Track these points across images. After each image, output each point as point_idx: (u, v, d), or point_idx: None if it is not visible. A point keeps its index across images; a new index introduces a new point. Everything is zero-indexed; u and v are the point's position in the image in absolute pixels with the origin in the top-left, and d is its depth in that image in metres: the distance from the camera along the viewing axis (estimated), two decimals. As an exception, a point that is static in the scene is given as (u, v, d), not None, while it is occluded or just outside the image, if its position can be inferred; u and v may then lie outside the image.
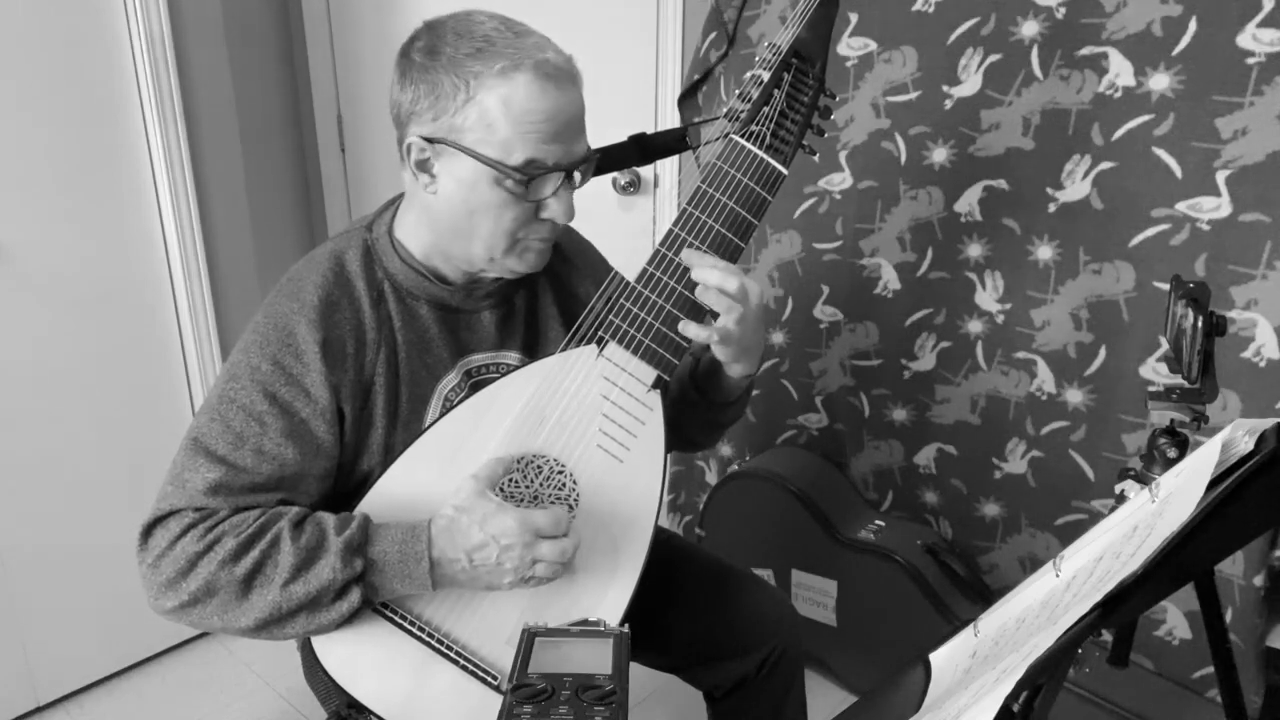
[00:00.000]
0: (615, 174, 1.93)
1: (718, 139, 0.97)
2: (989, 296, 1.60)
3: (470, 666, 0.92)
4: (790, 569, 1.79)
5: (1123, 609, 0.55)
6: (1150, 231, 1.40)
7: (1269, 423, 0.57)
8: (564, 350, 0.96)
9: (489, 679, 0.92)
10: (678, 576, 1.21)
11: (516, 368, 0.99)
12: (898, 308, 1.71)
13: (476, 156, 0.88)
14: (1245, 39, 1.27)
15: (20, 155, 1.60)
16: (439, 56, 0.87)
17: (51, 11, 1.60)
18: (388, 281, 0.97)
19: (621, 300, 0.95)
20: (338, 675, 0.92)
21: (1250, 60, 1.27)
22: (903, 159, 1.63)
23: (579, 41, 1.88)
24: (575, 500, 0.95)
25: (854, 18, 1.63)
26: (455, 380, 1.01)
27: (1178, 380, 0.98)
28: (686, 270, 0.94)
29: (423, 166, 0.92)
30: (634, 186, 1.96)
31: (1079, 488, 1.57)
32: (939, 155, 1.59)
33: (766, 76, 0.96)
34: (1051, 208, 1.49)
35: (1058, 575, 0.63)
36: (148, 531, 0.88)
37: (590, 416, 0.95)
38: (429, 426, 0.95)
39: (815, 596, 1.77)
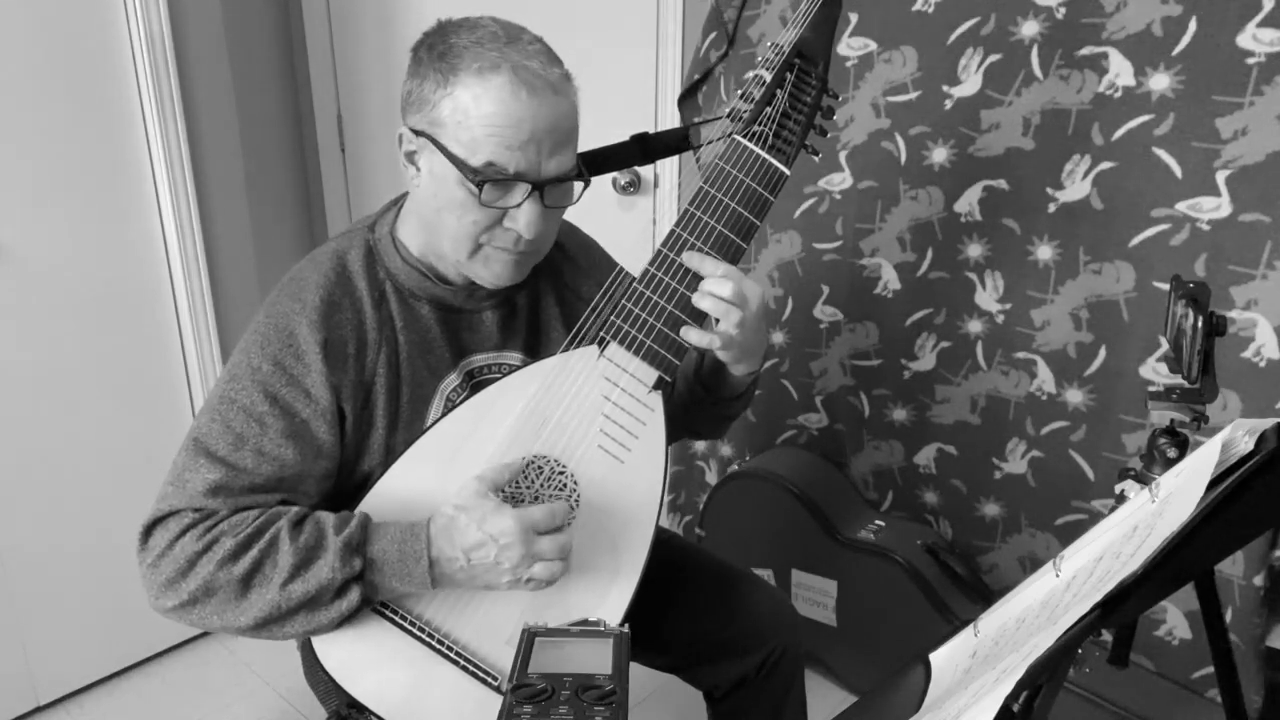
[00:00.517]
0: (615, 173, 1.93)
1: (720, 139, 0.97)
2: (989, 296, 1.60)
3: (470, 666, 0.92)
4: (790, 569, 1.79)
5: (1123, 609, 0.55)
6: (1150, 231, 1.40)
7: (1269, 423, 0.57)
8: (565, 351, 0.96)
9: (489, 679, 0.92)
10: (678, 577, 1.21)
11: (518, 368, 0.99)
12: (898, 308, 1.71)
13: (444, 152, 0.88)
14: (1245, 39, 1.27)
15: (20, 155, 1.60)
16: (433, 51, 0.88)
17: (51, 11, 1.60)
18: (389, 281, 0.97)
19: (623, 301, 0.95)
20: (338, 675, 0.92)
21: (1250, 60, 1.27)
22: (903, 159, 1.63)
23: (579, 42, 1.89)
24: (576, 501, 0.95)
25: (854, 18, 1.63)
26: (457, 381, 1.01)
27: (1178, 380, 0.98)
28: (688, 271, 0.94)
29: (410, 159, 0.93)
30: (634, 186, 1.96)
31: (1079, 488, 1.57)
32: (939, 155, 1.59)
33: (769, 77, 0.96)
34: (1051, 208, 1.49)
35: (1058, 575, 0.63)
36: (147, 531, 0.88)
37: (591, 417, 0.95)
38: (429, 427, 0.95)
39: (815, 596, 1.77)
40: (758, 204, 0.95)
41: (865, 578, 1.70)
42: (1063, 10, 1.41)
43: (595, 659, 0.59)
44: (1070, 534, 1.59)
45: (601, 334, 0.95)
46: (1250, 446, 0.56)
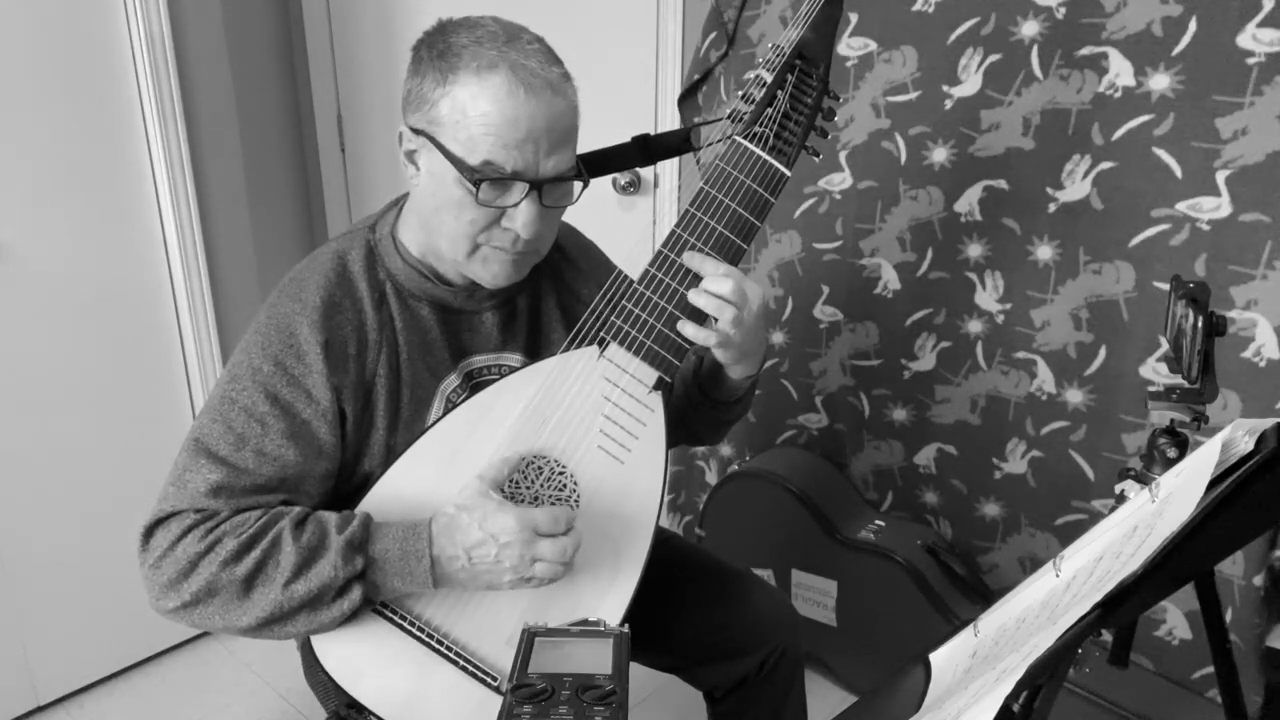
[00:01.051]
0: (615, 174, 1.93)
1: (720, 140, 0.97)
2: (989, 296, 1.60)
3: (470, 667, 0.92)
4: (790, 569, 1.79)
5: (1123, 609, 0.55)
6: (1150, 231, 1.40)
7: (1269, 423, 0.57)
8: (565, 351, 0.96)
9: (489, 679, 0.92)
10: (678, 577, 1.21)
11: (518, 369, 0.99)
12: (898, 308, 1.71)
13: (443, 150, 0.88)
14: (1245, 39, 1.27)
15: (20, 156, 1.60)
16: (433, 50, 0.89)
17: (52, 12, 1.60)
18: (389, 282, 0.97)
19: (623, 301, 0.95)
20: (337, 675, 0.92)
21: (1250, 60, 1.27)
22: (903, 159, 1.63)
23: (579, 42, 1.88)
24: (576, 501, 0.95)
25: (854, 18, 1.63)
26: (457, 381, 1.01)
27: (1178, 380, 0.98)
28: (689, 272, 0.94)
29: (410, 158, 0.93)
30: (634, 186, 1.96)
31: (1079, 488, 1.57)
32: (939, 155, 1.59)
33: (770, 78, 0.96)
34: (1051, 208, 1.49)
35: (1058, 575, 0.63)
36: (149, 533, 0.88)
37: (591, 417, 0.95)
38: (429, 427, 0.95)
39: (815, 596, 1.77)
40: (758, 205, 0.95)
41: (865, 578, 1.70)
42: (1063, 10, 1.41)
43: (595, 659, 0.59)
44: (1070, 534, 1.59)
45: (601, 334, 0.95)
46: (1250, 446, 0.56)
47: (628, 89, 1.91)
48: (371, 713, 0.92)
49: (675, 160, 1.91)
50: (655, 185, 1.97)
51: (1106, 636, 1.27)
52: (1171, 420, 1.00)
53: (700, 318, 0.94)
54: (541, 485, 0.95)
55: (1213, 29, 1.29)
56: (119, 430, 1.82)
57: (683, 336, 0.94)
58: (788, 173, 0.96)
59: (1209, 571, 0.79)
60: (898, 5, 1.58)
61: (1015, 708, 0.57)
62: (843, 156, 1.71)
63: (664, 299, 0.94)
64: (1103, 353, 1.49)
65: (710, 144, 1.00)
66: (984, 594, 1.69)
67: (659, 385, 0.96)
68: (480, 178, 0.87)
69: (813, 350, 1.86)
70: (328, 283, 0.94)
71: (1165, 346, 1.42)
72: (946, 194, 1.60)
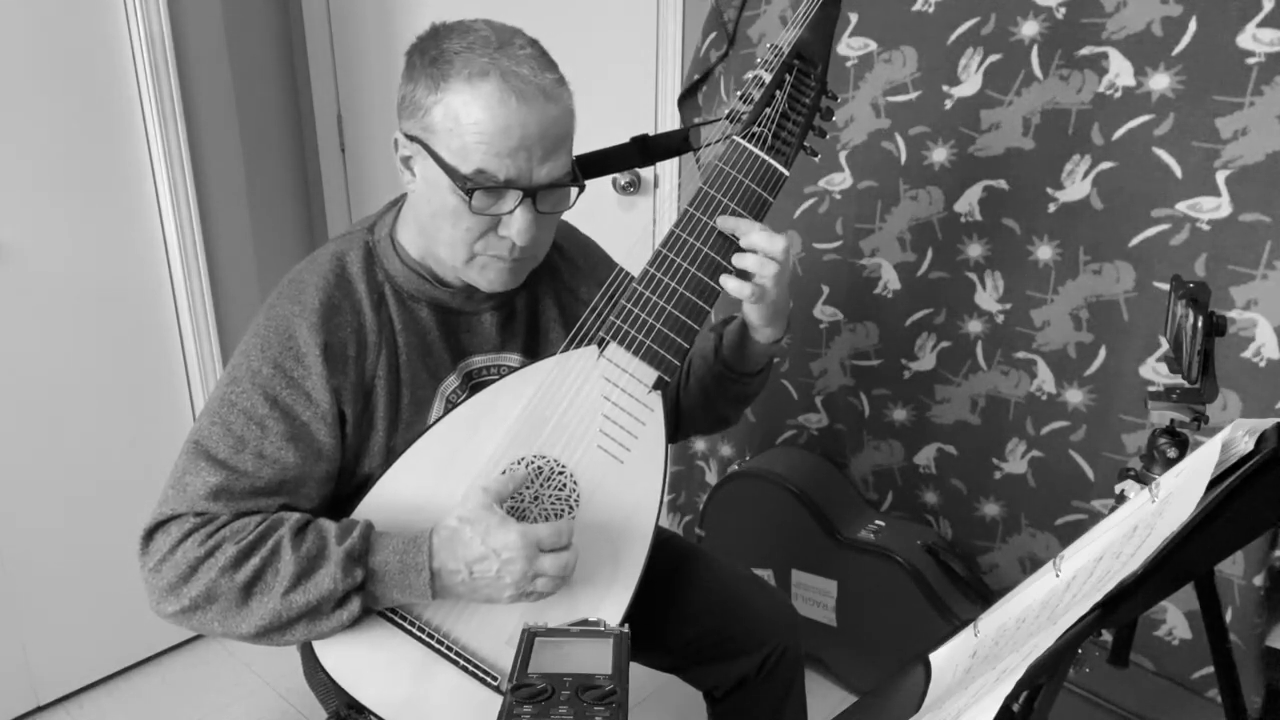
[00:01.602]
0: (615, 174, 1.93)
1: (719, 140, 0.97)
2: (989, 296, 1.60)
3: (470, 667, 0.92)
4: (790, 569, 1.79)
5: (1123, 609, 0.55)
6: (1150, 231, 1.40)
7: (1269, 423, 0.57)
8: (564, 351, 0.96)
9: (489, 679, 0.92)
10: (678, 577, 1.21)
11: (517, 369, 0.99)
12: (898, 308, 1.71)
13: (436, 158, 0.88)
14: (1245, 39, 1.27)
15: (20, 155, 1.60)
16: (425, 56, 0.88)
17: (52, 12, 1.60)
18: (388, 284, 0.97)
19: (622, 301, 0.95)
20: (337, 676, 0.92)
21: (1250, 60, 1.27)
22: (903, 159, 1.63)
23: (579, 42, 1.88)
24: (575, 501, 0.95)
25: (854, 18, 1.63)
26: (456, 382, 1.01)
27: (1178, 380, 0.98)
28: (688, 271, 0.94)
29: (406, 164, 0.93)
30: (634, 186, 1.96)
31: (1079, 488, 1.57)
32: (939, 155, 1.59)
33: (768, 78, 0.96)
34: (1051, 208, 1.49)
35: (1058, 575, 0.63)
36: (149, 535, 0.88)
37: (591, 417, 0.95)
38: (429, 428, 0.95)
39: (815, 596, 1.77)
40: (757, 205, 0.95)
41: (865, 578, 1.70)
42: (1063, 10, 1.41)
43: (595, 659, 0.59)
44: (1070, 534, 1.59)
45: (601, 334, 0.95)
46: (1250, 446, 0.56)
47: (628, 89, 1.91)
48: (372, 713, 0.92)
49: (675, 160, 1.91)
50: (655, 185, 1.97)
51: (1106, 636, 1.27)
52: (1171, 420, 1.00)
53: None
54: (541, 485, 0.95)
55: (1213, 29, 1.29)
56: (119, 430, 1.82)
57: (690, 332, 0.94)
58: (786, 172, 0.96)
59: (1209, 571, 0.79)
60: (898, 5, 1.58)
61: (1015, 708, 0.57)
62: (843, 156, 1.71)
63: (664, 299, 0.94)
64: (1103, 353, 1.49)
65: (709, 144, 1.00)
66: (984, 594, 1.69)
67: (659, 385, 0.96)
68: (473, 186, 0.86)
69: (813, 350, 1.86)
70: (327, 285, 0.94)
71: (1165, 346, 1.42)
72: (946, 194, 1.60)
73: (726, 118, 0.97)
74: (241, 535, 0.86)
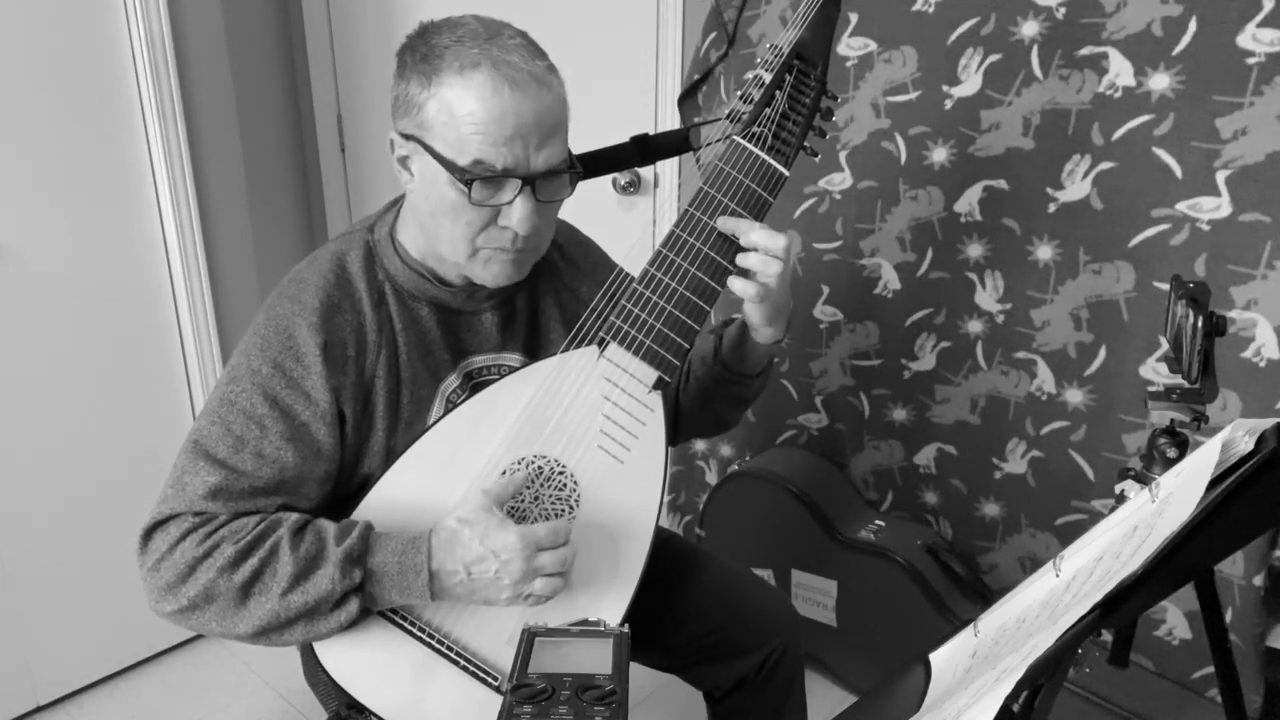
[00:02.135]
0: (615, 174, 1.93)
1: (719, 140, 0.97)
2: (989, 296, 1.60)
3: (470, 667, 0.92)
4: (790, 569, 1.79)
5: (1123, 609, 0.55)
6: (1150, 231, 1.40)
7: (1269, 423, 0.57)
8: (565, 351, 0.96)
9: (489, 679, 0.92)
10: (678, 577, 1.21)
11: (517, 369, 0.99)
12: (898, 308, 1.71)
13: (433, 154, 0.87)
14: (1245, 39, 1.27)
15: (20, 156, 1.60)
16: (416, 54, 0.88)
17: (51, 11, 1.60)
18: (389, 283, 0.97)
19: (623, 301, 0.95)
20: (337, 676, 0.92)
21: (1250, 60, 1.27)
22: (903, 159, 1.63)
23: (579, 42, 1.88)
24: (576, 501, 0.95)
25: (854, 18, 1.63)
26: (457, 382, 1.01)
27: (1178, 380, 0.98)
28: (688, 270, 0.94)
29: (403, 163, 0.93)
30: (634, 187, 1.96)
31: (1079, 488, 1.57)
32: (939, 155, 1.59)
33: (768, 78, 0.96)
34: (1051, 208, 1.49)
35: (1058, 575, 0.63)
36: (147, 535, 0.88)
37: (591, 418, 0.95)
38: (429, 428, 0.95)
39: (815, 596, 1.77)
40: (757, 205, 0.95)
41: (865, 578, 1.70)
42: (1063, 10, 1.41)
43: (595, 659, 0.59)
44: (1070, 534, 1.59)
45: (601, 334, 0.95)
46: (1250, 446, 0.56)
47: (628, 89, 1.91)
48: (372, 713, 0.92)
49: (675, 161, 1.91)
50: (655, 186, 1.97)
51: (1106, 636, 1.27)
52: (1171, 420, 1.00)
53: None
54: (541, 485, 0.95)
55: (1213, 29, 1.29)
56: (119, 430, 1.82)
57: (692, 329, 0.94)
58: (786, 172, 0.96)
59: (1209, 571, 0.79)
60: (898, 5, 1.58)
61: (1015, 708, 0.57)
62: (843, 156, 1.71)
63: (664, 299, 0.94)
64: (1103, 353, 1.49)
65: (709, 144, 1.00)
66: (984, 594, 1.69)
67: (659, 385, 0.96)
68: (471, 177, 0.86)
69: (813, 350, 1.86)
70: (326, 284, 0.94)
71: (1165, 346, 1.42)
72: (946, 194, 1.60)
73: (726, 117, 0.97)
74: (240, 535, 0.86)
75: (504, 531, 0.86)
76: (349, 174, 2.23)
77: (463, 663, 0.92)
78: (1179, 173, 1.35)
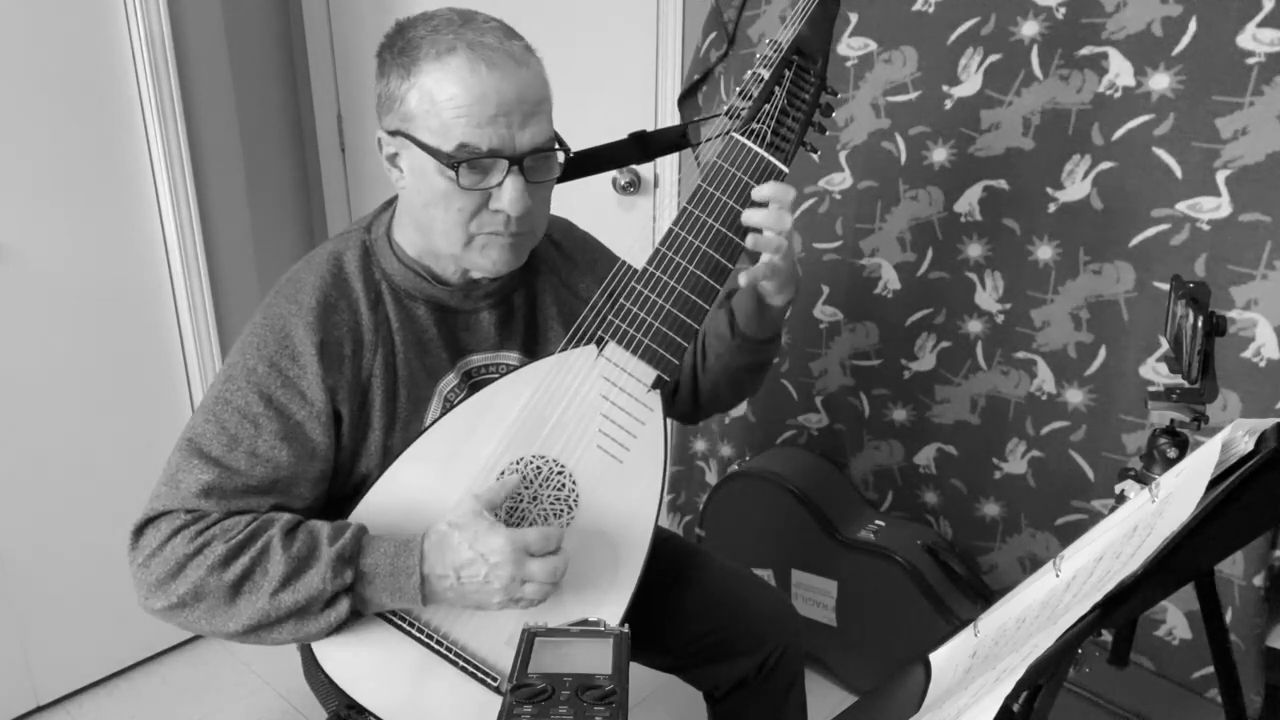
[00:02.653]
0: (615, 173, 1.93)
1: (719, 137, 0.97)
2: (989, 296, 1.60)
3: (470, 667, 0.92)
4: (790, 569, 1.79)
5: (1123, 609, 0.54)
6: (1150, 231, 1.40)
7: (1269, 423, 0.57)
8: (564, 350, 0.96)
9: (489, 680, 0.92)
10: (678, 577, 1.21)
11: (516, 368, 0.99)
12: (898, 308, 1.71)
13: (419, 144, 0.88)
14: (1245, 39, 1.26)
15: (20, 156, 1.60)
16: (394, 49, 0.89)
17: (51, 12, 1.60)
18: (385, 282, 0.97)
19: (622, 300, 0.95)
20: (337, 676, 0.92)
21: (1250, 60, 1.26)
22: (903, 159, 1.63)
23: (580, 42, 1.88)
24: (574, 501, 0.95)
25: (854, 18, 1.63)
26: (455, 381, 1.01)
27: (1178, 380, 0.98)
28: (688, 269, 0.94)
29: (393, 161, 0.93)
30: (634, 186, 1.96)
31: (1079, 488, 1.57)
32: (939, 155, 1.59)
33: (767, 74, 0.96)
34: (1051, 208, 1.49)
35: (1058, 575, 0.63)
36: (139, 531, 0.88)
37: (590, 417, 0.95)
38: (426, 428, 0.95)
39: (815, 596, 1.77)
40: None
41: (865, 578, 1.70)
42: (1063, 10, 1.41)
43: (595, 659, 0.59)
44: (1070, 534, 1.59)
45: (600, 334, 0.95)
46: (1250, 446, 0.56)
47: (628, 89, 1.91)
48: (371, 713, 0.92)
49: (674, 159, 1.91)
50: (655, 185, 1.97)
51: (1106, 636, 1.27)
52: (1171, 420, 1.00)
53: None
54: (540, 485, 0.95)
55: (1213, 29, 1.29)
56: (119, 430, 1.82)
57: (689, 331, 0.94)
58: (785, 169, 0.96)
59: (1209, 571, 0.79)
60: (898, 5, 1.57)
61: (1015, 708, 0.57)
62: (843, 156, 1.71)
63: (663, 297, 0.94)
64: (1103, 353, 1.49)
65: (709, 140, 1.00)
66: (984, 594, 1.69)
67: (658, 384, 0.96)
68: (458, 161, 0.86)
69: (813, 350, 1.86)
70: (323, 284, 0.94)
71: (1165, 346, 1.42)
72: (946, 194, 1.60)
73: (726, 114, 0.97)
74: (231, 534, 0.86)
75: (493, 535, 0.86)
76: (349, 174, 2.23)
77: (462, 663, 0.92)
78: (1179, 173, 1.35)
